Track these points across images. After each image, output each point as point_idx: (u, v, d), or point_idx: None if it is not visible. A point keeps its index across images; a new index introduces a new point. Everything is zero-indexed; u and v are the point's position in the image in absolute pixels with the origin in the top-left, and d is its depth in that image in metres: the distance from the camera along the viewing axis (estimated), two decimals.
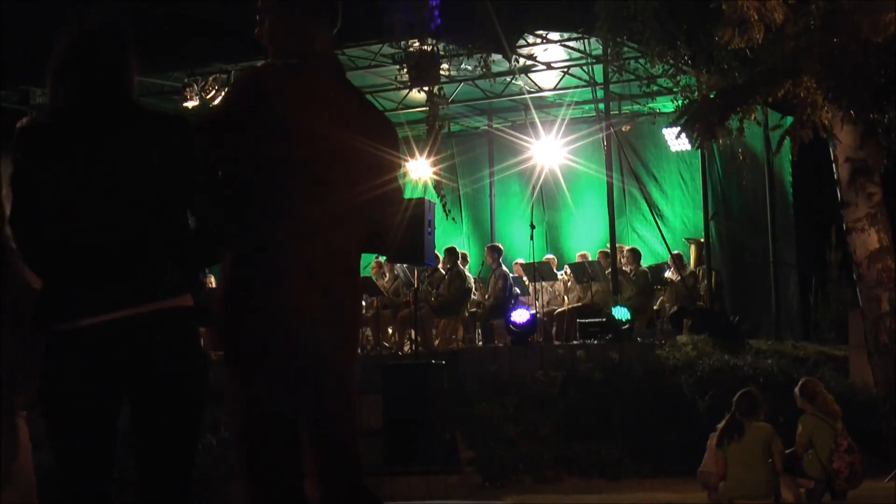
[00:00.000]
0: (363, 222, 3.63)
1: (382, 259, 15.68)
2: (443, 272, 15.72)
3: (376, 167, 3.66)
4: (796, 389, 9.12)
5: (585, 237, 18.20)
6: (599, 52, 15.85)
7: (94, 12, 3.45)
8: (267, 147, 3.49)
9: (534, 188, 18.01)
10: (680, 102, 14.66)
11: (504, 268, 16.26)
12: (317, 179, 3.52)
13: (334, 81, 3.70)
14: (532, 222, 15.89)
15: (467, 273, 16.03)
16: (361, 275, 4.39)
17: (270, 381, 3.45)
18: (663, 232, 16.77)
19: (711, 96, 13.05)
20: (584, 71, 16.89)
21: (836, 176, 12.47)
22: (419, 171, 17.69)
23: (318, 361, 3.49)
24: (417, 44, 15.12)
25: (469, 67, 16.24)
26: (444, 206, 17.02)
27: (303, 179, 3.50)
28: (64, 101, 3.39)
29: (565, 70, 17.15)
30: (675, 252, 16.42)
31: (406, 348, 14.90)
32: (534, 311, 15.03)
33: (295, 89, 3.56)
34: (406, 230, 3.91)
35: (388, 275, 16.40)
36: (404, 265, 14.93)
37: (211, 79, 16.71)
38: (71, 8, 3.46)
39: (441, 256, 15.76)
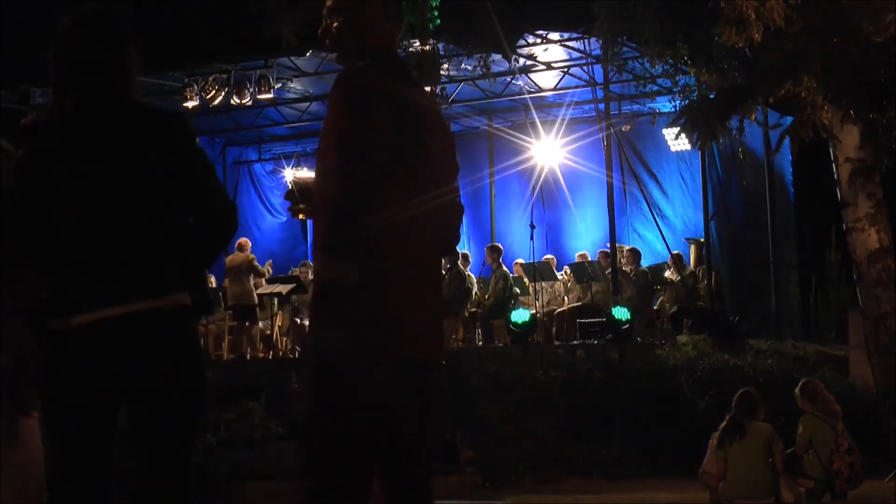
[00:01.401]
0: (443, 221, 3.64)
1: None
2: (443, 272, 15.72)
3: (452, 166, 3.70)
4: (797, 390, 9.11)
5: (585, 237, 18.21)
6: (599, 52, 15.86)
7: (94, 10, 3.45)
8: (367, 147, 3.45)
9: (534, 188, 18.02)
10: (679, 102, 14.66)
11: (504, 268, 16.26)
12: (411, 177, 3.51)
13: (410, 81, 3.72)
14: (532, 222, 15.89)
15: (468, 273, 16.03)
16: None
17: (363, 379, 3.41)
18: (663, 232, 16.77)
19: (711, 97, 13.05)
20: (584, 71, 16.89)
21: (836, 176, 12.46)
22: None
23: (412, 362, 3.47)
24: (418, 44, 15.13)
25: (469, 67, 16.25)
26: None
27: (397, 177, 3.47)
28: (65, 98, 3.39)
29: (565, 70, 17.15)
30: (675, 252, 16.43)
31: None
32: (534, 311, 15.03)
33: (384, 90, 3.53)
34: None
35: None
36: None
37: (211, 79, 16.73)
38: (71, 8, 3.46)
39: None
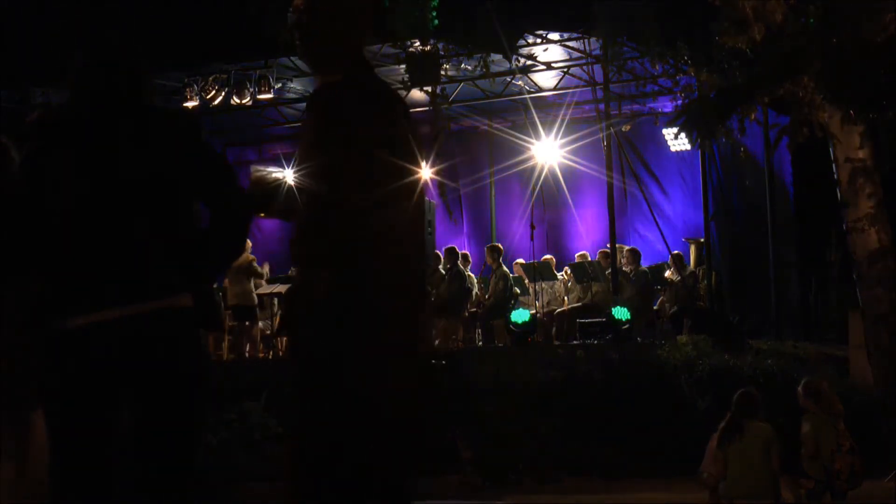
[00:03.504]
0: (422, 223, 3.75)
1: None
2: (443, 272, 15.72)
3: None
4: (800, 387, 9.09)
5: (585, 237, 18.21)
6: (599, 52, 15.86)
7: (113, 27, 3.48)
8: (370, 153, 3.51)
9: (534, 188, 18.01)
10: (681, 102, 14.65)
11: (504, 268, 16.26)
12: (399, 179, 3.58)
13: (389, 85, 3.76)
14: (532, 222, 15.89)
15: (468, 273, 16.03)
16: None
17: (360, 378, 3.47)
18: (663, 232, 16.77)
19: (711, 96, 13.04)
20: (584, 71, 16.89)
21: (836, 176, 12.46)
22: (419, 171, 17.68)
23: (405, 359, 3.55)
24: (418, 44, 15.13)
25: (469, 67, 16.24)
26: (446, 206, 17.01)
27: (391, 180, 3.55)
28: (76, 99, 3.39)
29: (565, 70, 17.15)
30: (675, 252, 16.42)
31: None
32: (534, 311, 15.02)
33: (379, 99, 3.60)
34: None
35: None
36: None
37: (211, 79, 16.73)
38: (76, 10, 3.48)
39: (441, 256, 15.78)
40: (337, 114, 3.48)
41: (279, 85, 17.09)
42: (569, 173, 17.90)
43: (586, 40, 15.89)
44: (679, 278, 16.05)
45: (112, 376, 3.26)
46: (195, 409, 3.37)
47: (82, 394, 3.26)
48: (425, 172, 17.82)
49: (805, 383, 9.10)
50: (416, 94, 16.79)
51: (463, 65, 16.22)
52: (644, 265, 16.33)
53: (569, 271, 16.52)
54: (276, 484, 10.56)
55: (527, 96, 17.11)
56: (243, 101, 16.79)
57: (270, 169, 3.78)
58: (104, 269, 3.26)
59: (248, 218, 3.49)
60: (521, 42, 15.73)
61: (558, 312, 15.95)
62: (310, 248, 3.43)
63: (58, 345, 3.28)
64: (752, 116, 12.61)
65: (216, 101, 16.78)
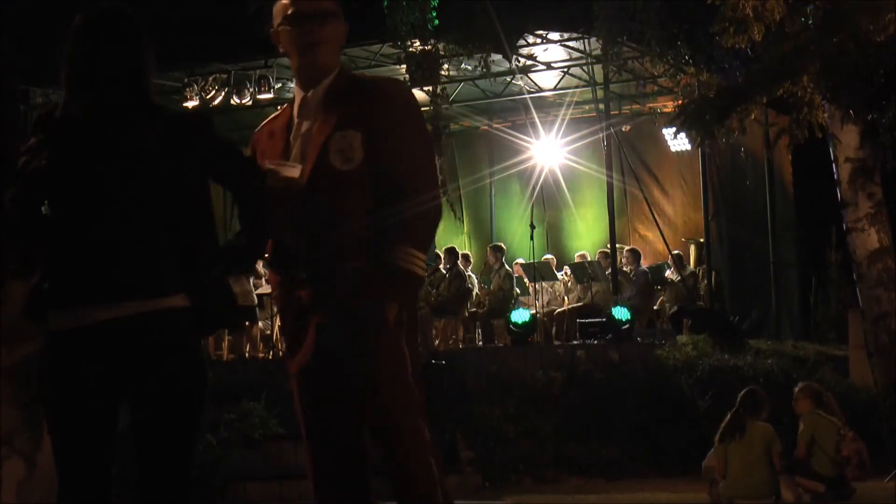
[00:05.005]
0: None
1: None
2: (443, 272, 15.72)
3: None
4: (797, 390, 9.10)
5: (585, 237, 18.21)
6: (599, 52, 15.86)
7: (112, 7, 3.44)
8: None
9: (534, 188, 18.01)
10: (683, 103, 14.65)
11: (507, 267, 16.27)
12: None
13: None
14: (532, 222, 15.89)
15: (468, 273, 16.03)
16: None
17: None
18: (663, 232, 16.77)
19: (711, 96, 13.03)
20: (584, 71, 16.89)
21: (836, 176, 12.46)
22: None
23: None
24: (418, 44, 15.13)
25: (469, 67, 16.25)
26: (450, 205, 16.99)
27: None
28: (79, 97, 3.36)
29: (565, 70, 17.15)
30: (675, 252, 16.43)
31: None
32: (534, 311, 15.03)
33: None
34: None
35: None
36: None
37: (211, 79, 16.73)
38: (76, 7, 3.45)
39: (441, 256, 15.79)
40: (414, 107, 3.74)
41: (279, 85, 17.08)
42: (569, 173, 17.90)
43: (586, 40, 15.89)
44: (679, 278, 16.06)
45: (107, 377, 3.24)
46: (192, 409, 3.34)
47: (78, 395, 3.24)
48: None
49: (803, 387, 9.14)
50: (416, 94, 16.78)
51: (463, 65, 16.22)
52: (644, 265, 16.33)
53: (569, 271, 16.53)
54: (276, 484, 10.58)
55: (527, 96, 17.10)
56: (243, 101, 16.78)
57: (282, 162, 3.84)
58: (99, 267, 3.24)
59: (263, 203, 3.51)
60: (521, 42, 15.73)
61: (558, 312, 15.96)
62: (418, 233, 3.62)
63: (52, 345, 3.26)
64: (753, 116, 12.60)
65: (216, 101, 16.78)
